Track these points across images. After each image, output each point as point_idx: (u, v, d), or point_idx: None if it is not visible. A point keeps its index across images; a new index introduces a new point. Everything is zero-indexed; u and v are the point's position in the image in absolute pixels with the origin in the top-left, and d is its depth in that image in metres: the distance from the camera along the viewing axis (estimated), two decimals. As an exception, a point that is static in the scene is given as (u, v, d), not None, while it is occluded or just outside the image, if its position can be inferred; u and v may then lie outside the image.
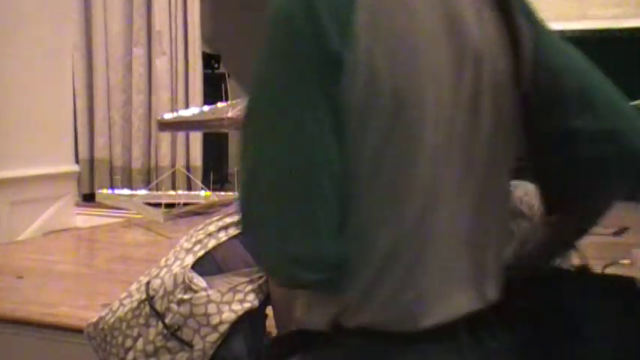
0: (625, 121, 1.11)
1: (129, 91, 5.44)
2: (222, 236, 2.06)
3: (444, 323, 1.02)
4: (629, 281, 1.15)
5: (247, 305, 1.98)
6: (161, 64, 5.36)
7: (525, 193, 1.71)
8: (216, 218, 2.13)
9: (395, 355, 1.02)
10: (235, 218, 2.09)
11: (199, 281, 1.98)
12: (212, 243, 2.04)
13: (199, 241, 2.06)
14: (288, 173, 0.98)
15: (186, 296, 1.96)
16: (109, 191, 5.12)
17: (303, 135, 0.97)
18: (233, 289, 1.99)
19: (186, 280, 1.97)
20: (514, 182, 1.76)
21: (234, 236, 2.05)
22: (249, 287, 2.00)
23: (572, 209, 1.18)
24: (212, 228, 2.09)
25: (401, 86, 0.97)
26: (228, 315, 1.96)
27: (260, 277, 2.01)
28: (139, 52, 5.40)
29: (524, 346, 1.07)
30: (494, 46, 1.05)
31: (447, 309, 1.02)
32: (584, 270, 1.19)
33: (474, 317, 1.04)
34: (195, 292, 1.97)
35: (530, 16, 1.11)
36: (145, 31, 5.41)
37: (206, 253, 2.03)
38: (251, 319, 2.01)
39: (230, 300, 1.98)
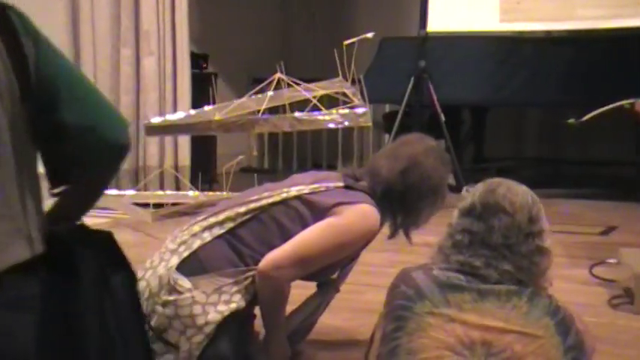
0: (100, 118, 1.38)
1: (117, 91, 5.42)
2: (207, 236, 2.06)
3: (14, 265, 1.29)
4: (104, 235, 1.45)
5: (233, 306, 1.98)
6: (149, 64, 5.36)
7: (508, 189, 1.73)
8: (200, 218, 2.13)
9: None
10: (220, 218, 2.10)
11: (184, 282, 1.97)
12: (197, 243, 2.04)
13: (184, 242, 2.06)
14: None
15: (171, 297, 1.96)
16: (97, 191, 5.08)
17: None
18: (218, 290, 1.98)
19: (171, 282, 1.97)
20: (497, 179, 1.79)
21: (219, 236, 2.06)
22: (235, 288, 2.00)
23: (74, 184, 1.45)
24: (196, 228, 2.09)
25: None
26: (214, 316, 1.95)
27: (246, 278, 2.01)
28: (126, 52, 5.39)
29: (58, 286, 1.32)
30: None
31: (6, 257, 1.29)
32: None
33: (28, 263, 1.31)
34: (180, 293, 1.96)
35: (31, 35, 1.38)
36: (132, 31, 5.40)
37: (191, 254, 2.02)
38: (238, 320, 2.01)
39: (216, 301, 1.97)
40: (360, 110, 4.35)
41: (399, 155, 2.15)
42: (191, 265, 2.00)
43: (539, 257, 1.70)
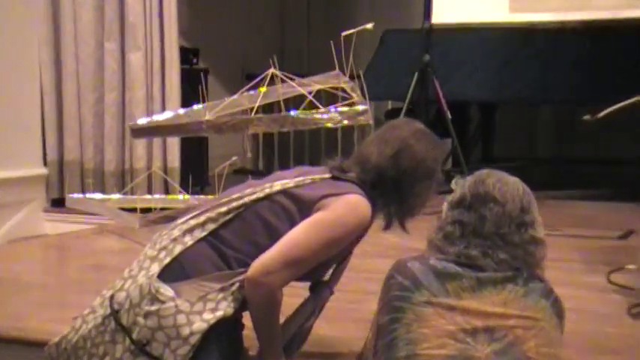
0: None
1: (100, 88, 5.40)
2: (188, 240, 2.04)
3: None
4: None
5: (220, 314, 1.96)
6: (135, 59, 5.33)
7: (498, 179, 1.81)
8: (180, 221, 2.11)
9: None
10: (201, 219, 2.08)
11: (166, 291, 1.95)
12: (178, 248, 2.02)
13: (164, 248, 2.04)
14: None
15: (153, 308, 1.93)
16: (80, 195, 5.08)
17: None
18: (204, 298, 1.96)
19: (153, 291, 1.95)
20: (486, 170, 1.85)
21: (201, 239, 2.04)
22: (221, 295, 1.98)
23: None
24: (176, 232, 2.07)
25: None
26: (200, 325, 1.93)
27: (232, 284, 1.99)
28: (111, 46, 5.36)
29: None
30: None
31: None
32: None
33: None
34: (163, 302, 1.94)
35: None
36: (117, 24, 5.37)
37: (172, 260, 2.00)
38: (225, 328, 1.99)
39: (201, 309, 1.95)
40: (360, 107, 4.32)
41: (388, 140, 2.15)
42: (173, 272, 1.98)
43: (534, 247, 1.78)
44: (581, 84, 5.70)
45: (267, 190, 2.08)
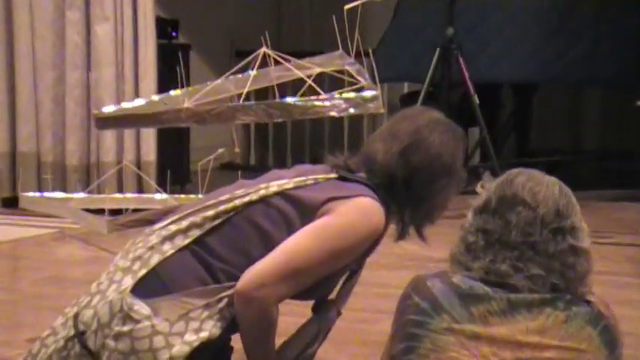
0: None
1: (61, 66, 5.42)
2: (168, 249, 2.05)
3: None
4: None
5: (204, 335, 1.97)
6: (102, 31, 5.34)
7: (529, 179, 1.79)
8: (158, 226, 2.11)
9: None
10: (183, 225, 2.08)
11: (141, 308, 1.96)
12: (155, 258, 2.03)
13: (139, 258, 2.05)
14: None
15: (125, 328, 1.94)
16: (37, 194, 5.10)
17: None
18: (185, 317, 1.97)
19: (125, 308, 1.95)
20: (517, 169, 1.83)
21: (183, 247, 2.05)
22: (206, 313, 1.99)
23: None
24: (154, 239, 2.07)
25: None
26: (181, 349, 1.94)
27: (219, 300, 2.00)
28: (73, 16, 5.37)
29: None
30: None
31: None
32: None
33: None
34: (137, 322, 1.95)
35: None
36: (81, -11, 5.38)
37: (149, 272, 2.01)
38: (211, 352, 2.00)
39: (182, 330, 1.96)
40: (369, 93, 4.33)
41: (397, 133, 2.16)
42: (149, 286, 1.99)
43: (574, 259, 1.75)
44: (635, 62, 5.69)
45: (262, 192, 2.08)
